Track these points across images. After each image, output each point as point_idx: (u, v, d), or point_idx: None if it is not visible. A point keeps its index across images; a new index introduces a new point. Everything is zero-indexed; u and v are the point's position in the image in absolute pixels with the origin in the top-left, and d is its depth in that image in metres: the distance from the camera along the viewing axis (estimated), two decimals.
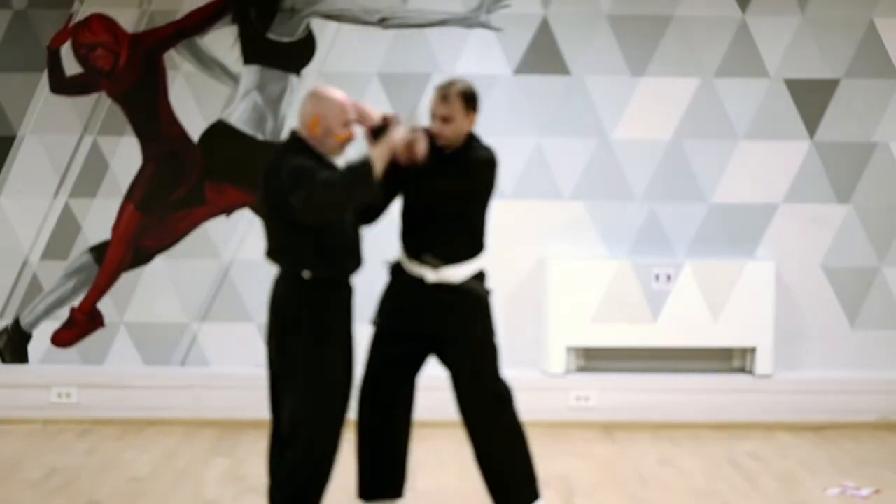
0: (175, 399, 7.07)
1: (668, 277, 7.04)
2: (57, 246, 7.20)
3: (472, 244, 4.87)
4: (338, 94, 4.58)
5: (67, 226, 7.19)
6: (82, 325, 7.22)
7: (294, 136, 4.60)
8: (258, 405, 7.00)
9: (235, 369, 7.19)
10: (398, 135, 4.52)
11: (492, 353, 4.90)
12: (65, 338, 7.23)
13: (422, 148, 4.63)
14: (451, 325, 4.84)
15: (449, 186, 4.76)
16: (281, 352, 4.64)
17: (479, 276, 4.89)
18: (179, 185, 7.17)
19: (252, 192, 7.15)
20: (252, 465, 6.11)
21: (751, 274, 7.06)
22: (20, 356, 7.23)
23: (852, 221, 7.24)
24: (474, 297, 4.84)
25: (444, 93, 4.75)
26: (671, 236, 7.23)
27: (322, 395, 4.57)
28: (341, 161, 4.62)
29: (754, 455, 6.40)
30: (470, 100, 4.77)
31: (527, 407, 5.05)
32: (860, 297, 7.28)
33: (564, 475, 5.90)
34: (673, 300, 7.03)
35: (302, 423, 4.60)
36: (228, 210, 7.20)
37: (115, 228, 7.19)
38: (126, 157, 7.17)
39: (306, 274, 4.54)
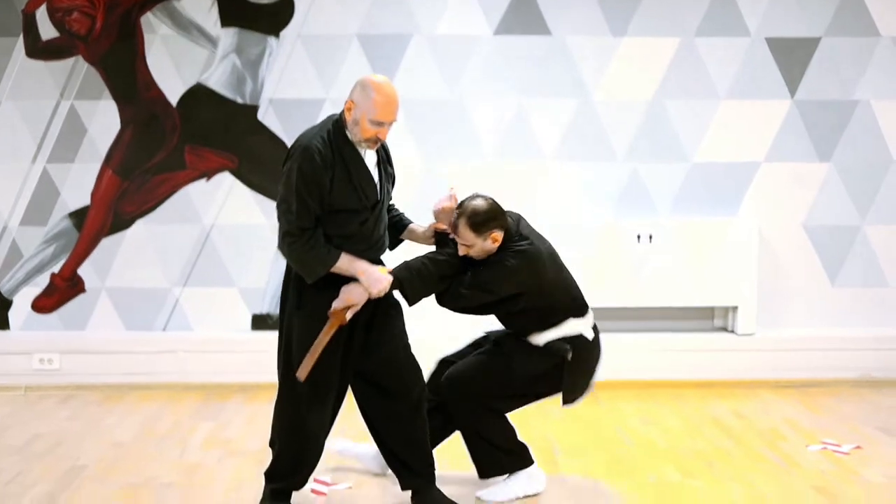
0: (158, 364, 7.07)
1: (651, 237, 7.05)
2: (36, 212, 7.15)
3: (540, 318, 4.86)
4: (385, 94, 4.41)
5: (46, 191, 7.14)
6: (63, 290, 7.19)
7: (340, 115, 4.51)
8: (241, 369, 7.07)
9: (218, 333, 7.18)
10: (364, 287, 4.49)
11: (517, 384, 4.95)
12: (46, 304, 7.21)
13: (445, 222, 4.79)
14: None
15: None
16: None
17: (572, 339, 4.89)
18: (158, 150, 7.12)
19: (231, 155, 7.12)
20: (236, 428, 6.12)
21: (733, 233, 7.08)
22: (1, 323, 7.19)
23: (833, 180, 7.26)
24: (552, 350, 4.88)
25: (455, 222, 4.69)
26: (653, 196, 7.23)
27: (294, 358, 4.56)
28: (371, 156, 4.56)
29: (737, 413, 6.44)
30: (480, 225, 4.66)
31: None
32: (841, 256, 7.31)
33: (548, 436, 5.93)
34: (655, 260, 7.05)
35: (279, 384, 4.67)
36: (208, 174, 7.16)
37: (94, 193, 7.15)
38: (104, 121, 7.11)
39: None
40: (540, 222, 6.98)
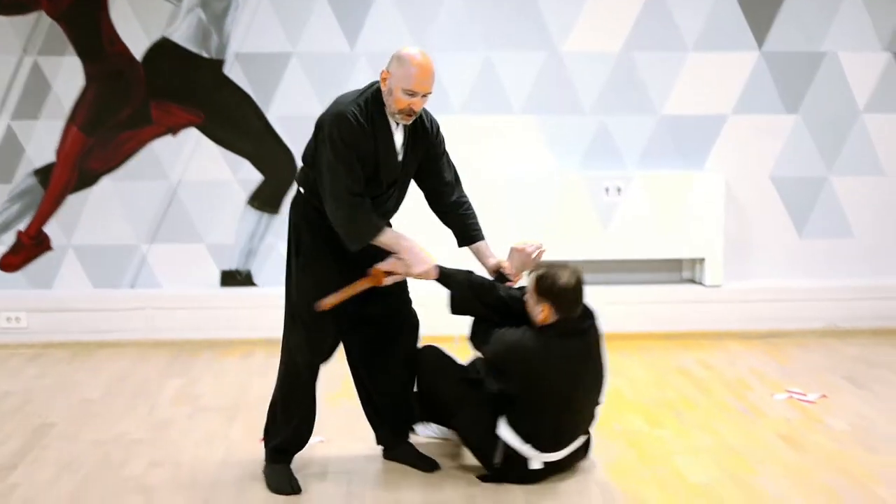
0: (126, 321, 7.05)
1: (619, 190, 7.07)
2: (0, 169, 7.08)
3: (508, 405, 4.55)
4: (420, 64, 4.34)
5: (10, 149, 7.07)
6: (29, 248, 7.14)
7: (378, 83, 4.43)
8: (210, 325, 7.06)
9: (186, 290, 7.16)
10: (406, 264, 4.40)
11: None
12: (12, 262, 7.16)
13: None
14: None
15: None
16: None
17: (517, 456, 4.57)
18: (124, 105, 7.06)
19: (197, 110, 7.07)
20: (206, 384, 6.12)
21: (700, 185, 7.11)
22: None
23: (800, 131, 7.29)
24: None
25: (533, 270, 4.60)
26: (621, 149, 7.24)
27: (292, 305, 4.55)
28: (399, 136, 4.49)
29: (704, 363, 6.49)
30: (540, 290, 4.45)
31: None
32: (808, 207, 7.36)
33: None
34: (623, 212, 7.07)
35: (284, 330, 4.64)
36: (174, 129, 7.11)
37: (59, 151, 7.09)
38: (68, 77, 7.04)
39: (303, 189, 4.53)
40: (508, 176, 7.04)
